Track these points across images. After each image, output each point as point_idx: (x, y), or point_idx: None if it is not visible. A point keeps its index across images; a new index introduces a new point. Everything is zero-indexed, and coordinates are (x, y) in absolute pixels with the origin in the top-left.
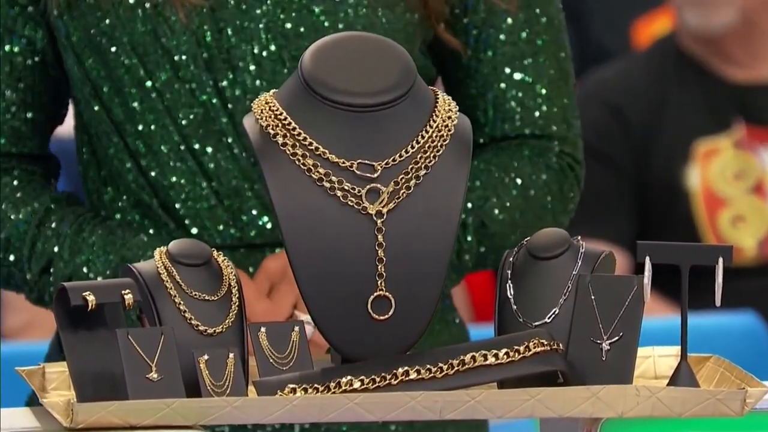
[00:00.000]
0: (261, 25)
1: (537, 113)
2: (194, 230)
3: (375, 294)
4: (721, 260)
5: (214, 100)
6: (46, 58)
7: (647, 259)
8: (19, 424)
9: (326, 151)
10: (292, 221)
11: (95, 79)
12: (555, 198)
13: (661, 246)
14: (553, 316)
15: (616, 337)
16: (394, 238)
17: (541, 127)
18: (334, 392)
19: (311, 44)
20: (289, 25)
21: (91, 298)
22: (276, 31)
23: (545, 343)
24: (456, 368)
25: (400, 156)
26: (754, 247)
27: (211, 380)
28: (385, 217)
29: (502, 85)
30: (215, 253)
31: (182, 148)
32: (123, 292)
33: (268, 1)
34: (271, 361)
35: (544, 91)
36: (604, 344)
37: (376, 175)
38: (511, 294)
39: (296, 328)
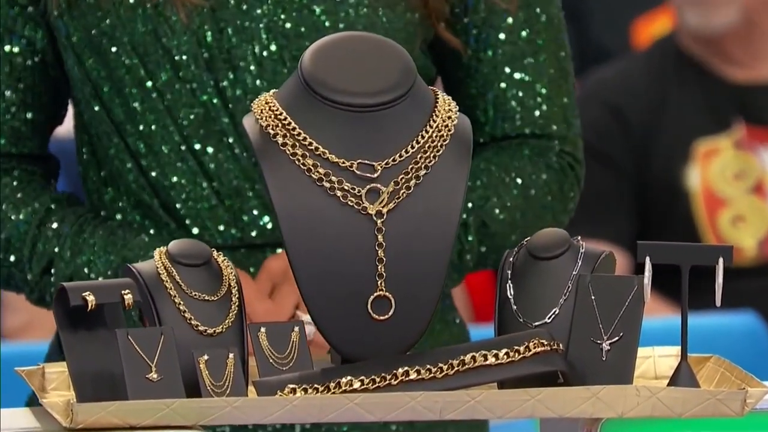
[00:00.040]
0: (261, 25)
1: (537, 113)
2: (195, 230)
3: (375, 294)
4: (721, 260)
5: (215, 100)
6: (46, 58)
7: (647, 259)
8: (18, 424)
9: (326, 151)
10: (292, 221)
11: (95, 79)
12: (555, 197)
13: (661, 246)
14: (553, 316)
15: (617, 338)
16: (394, 238)
17: (542, 127)
18: (334, 392)
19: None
20: (289, 25)
21: (90, 299)
22: (276, 31)
23: (545, 343)
24: (456, 368)
25: (400, 156)
26: (754, 247)
27: (211, 380)
28: (385, 217)
29: (503, 84)
30: (215, 253)
31: (183, 148)
32: (123, 292)
33: (269, 1)
34: (271, 361)
35: (544, 91)
36: (604, 344)
37: (376, 175)
38: (511, 294)
39: (296, 329)
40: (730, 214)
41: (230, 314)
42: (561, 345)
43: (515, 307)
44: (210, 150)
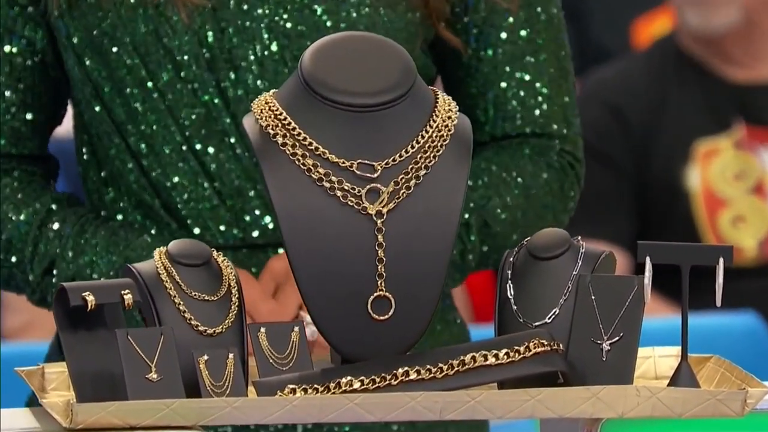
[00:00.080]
0: (263, 25)
1: (537, 112)
2: (196, 231)
3: (375, 294)
4: (721, 260)
5: (216, 100)
6: (45, 58)
7: (647, 259)
8: (18, 424)
9: (326, 151)
10: (292, 221)
11: (96, 79)
12: (556, 197)
13: (661, 246)
14: (553, 316)
15: (617, 338)
16: (394, 238)
17: (542, 126)
18: (333, 393)
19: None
20: (290, 25)
21: (90, 299)
22: (278, 30)
23: (545, 343)
24: (456, 368)
25: (400, 156)
26: (755, 248)
27: (211, 381)
28: (385, 217)
29: (503, 83)
30: (215, 253)
31: (184, 148)
32: (122, 292)
33: (270, 1)
34: (270, 361)
35: (544, 90)
36: (604, 344)
37: (376, 175)
38: (511, 294)
39: (296, 329)
40: (730, 215)
41: (230, 314)
42: (561, 345)
43: (515, 307)
44: (211, 150)
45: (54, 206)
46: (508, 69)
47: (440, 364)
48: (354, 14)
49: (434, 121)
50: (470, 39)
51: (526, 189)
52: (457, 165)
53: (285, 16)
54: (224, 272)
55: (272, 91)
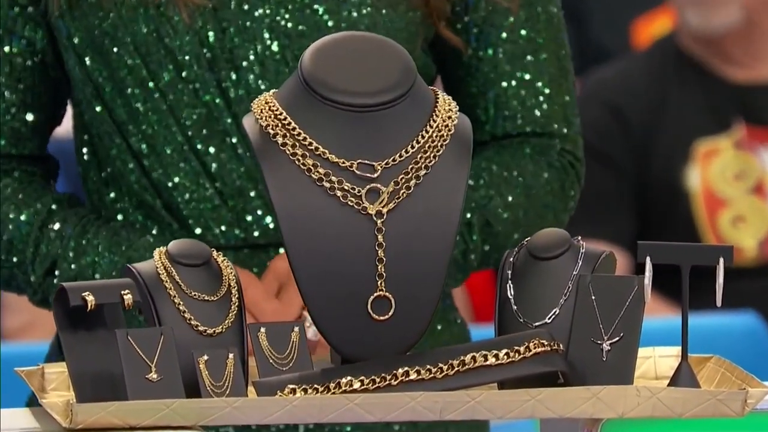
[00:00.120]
0: (263, 25)
1: (538, 111)
2: (198, 231)
3: (375, 294)
4: (721, 260)
5: (218, 100)
6: (45, 58)
7: (648, 259)
8: (18, 424)
9: (326, 151)
10: (292, 221)
11: (97, 79)
12: (556, 196)
13: (661, 246)
14: (553, 316)
15: (617, 338)
16: (394, 238)
17: (543, 125)
18: (333, 393)
19: None
20: (291, 25)
21: (90, 299)
22: (279, 30)
23: (545, 343)
24: (456, 369)
25: (400, 156)
26: (755, 248)
27: (211, 381)
28: (385, 217)
29: (503, 83)
30: (215, 254)
31: (186, 148)
32: (122, 292)
33: (271, 1)
34: (270, 361)
35: (545, 89)
36: (604, 345)
37: (376, 175)
38: (511, 294)
39: (296, 329)
40: (730, 215)
41: (230, 314)
42: (561, 345)
43: (515, 307)
44: (213, 150)
45: (55, 207)
46: (508, 68)
47: (440, 364)
48: (355, 14)
49: (434, 121)
50: (470, 38)
51: (528, 188)
52: (457, 165)
53: (286, 16)
54: (224, 272)
55: (272, 90)
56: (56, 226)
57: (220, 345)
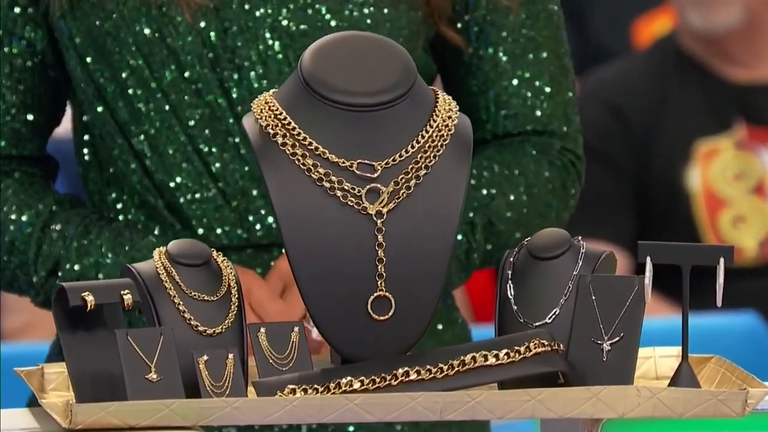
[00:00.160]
0: (265, 25)
1: (539, 110)
2: (201, 231)
3: (375, 294)
4: (722, 260)
5: (220, 100)
6: (46, 59)
7: (648, 259)
8: (18, 424)
9: (326, 151)
10: (292, 221)
11: (99, 80)
12: (557, 195)
13: (662, 246)
14: (553, 316)
15: (617, 338)
16: (394, 238)
17: (543, 124)
18: (333, 393)
19: None
20: (293, 25)
21: (90, 299)
22: (280, 30)
23: (546, 343)
24: (456, 369)
25: (400, 156)
26: (755, 248)
27: (211, 381)
28: (385, 217)
29: (504, 82)
30: (215, 254)
31: (188, 148)
32: (122, 292)
33: (273, 1)
34: (270, 361)
35: (546, 88)
36: (604, 345)
37: (376, 175)
38: (511, 294)
39: (296, 329)
40: (730, 215)
41: (230, 314)
42: (561, 345)
43: (515, 307)
44: (215, 150)
45: (56, 207)
46: (509, 67)
47: (440, 365)
48: (357, 13)
49: (434, 121)
50: (471, 37)
51: (529, 187)
52: (457, 165)
53: (288, 16)
54: (224, 272)
55: (272, 90)
56: (58, 226)
57: (219, 345)
